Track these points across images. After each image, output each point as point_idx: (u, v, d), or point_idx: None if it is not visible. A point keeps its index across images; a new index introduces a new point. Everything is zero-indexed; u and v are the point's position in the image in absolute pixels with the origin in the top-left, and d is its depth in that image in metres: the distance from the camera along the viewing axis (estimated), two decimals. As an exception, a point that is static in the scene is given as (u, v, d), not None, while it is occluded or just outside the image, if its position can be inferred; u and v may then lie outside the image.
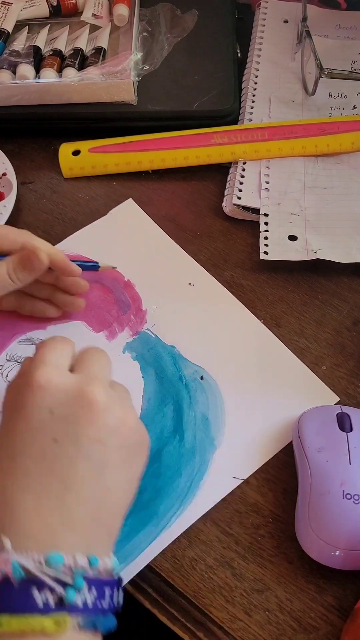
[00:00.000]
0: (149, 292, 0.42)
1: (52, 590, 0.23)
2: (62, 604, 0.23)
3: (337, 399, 0.38)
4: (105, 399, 0.27)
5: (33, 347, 0.40)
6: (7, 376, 0.38)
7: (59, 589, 0.23)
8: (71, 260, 0.38)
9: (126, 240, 0.45)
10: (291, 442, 0.36)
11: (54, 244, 0.45)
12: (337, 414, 0.35)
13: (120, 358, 0.40)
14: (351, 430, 0.34)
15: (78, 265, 0.39)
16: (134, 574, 0.32)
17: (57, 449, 0.26)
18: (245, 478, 0.35)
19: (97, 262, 0.41)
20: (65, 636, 0.23)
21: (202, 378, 0.38)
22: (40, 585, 0.23)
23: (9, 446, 0.27)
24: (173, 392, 0.38)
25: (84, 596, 0.24)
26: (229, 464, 0.36)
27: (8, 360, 0.39)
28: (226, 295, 0.43)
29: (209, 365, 0.39)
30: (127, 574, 0.32)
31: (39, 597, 0.23)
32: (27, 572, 0.23)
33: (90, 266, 0.41)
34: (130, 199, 0.47)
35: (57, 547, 0.24)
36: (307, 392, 0.38)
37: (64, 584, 0.24)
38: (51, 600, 0.23)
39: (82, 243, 0.45)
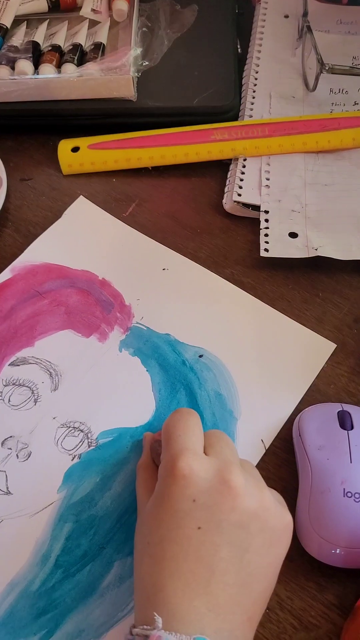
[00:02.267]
0: (127, 286, 0.42)
1: None
2: None
3: (334, 345, 0.40)
4: (243, 484, 0.28)
5: (28, 367, 0.39)
6: (9, 401, 0.38)
7: None
8: None
9: (89, 238, 0.45)
10: (291, 441, 0.36)
11: (53, 241, 0.45)
12: (338, 412, 0.35)
13: (119, 357, 0.39)
14: (352, 428, 0.34)
15: None
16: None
17: (201, 536, 0.27)
18: (272, 441, 0.36)
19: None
20: None
21: (201, 356, 0.39)
22: None
23: (156, 533, 0.28)
24: (180, 377, 0.38)
25: None
26: (254, 432, 0.36)
27: (6, 386, 0.38)
28: (202, 271, 0.43)
29: (208, 344, 0.40)
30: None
31: None
32: None
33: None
34: (81, 196, 0.47)
35: (203, 632, 0.25)
36: (303, 345, 0.40)
37: None
38: None
39: (44, 251, 0.44)
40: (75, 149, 0.48)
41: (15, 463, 0.36)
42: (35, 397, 0.38)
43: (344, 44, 0.55)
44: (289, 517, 0.30)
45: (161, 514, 0.28)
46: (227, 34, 0.53)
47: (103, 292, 0.42)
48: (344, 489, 0.32)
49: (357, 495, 0.31)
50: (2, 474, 0.35)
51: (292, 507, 0.34)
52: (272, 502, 0.29)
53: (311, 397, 0.38)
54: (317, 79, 0.50)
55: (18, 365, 0.39)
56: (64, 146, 0.48)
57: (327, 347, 0.40)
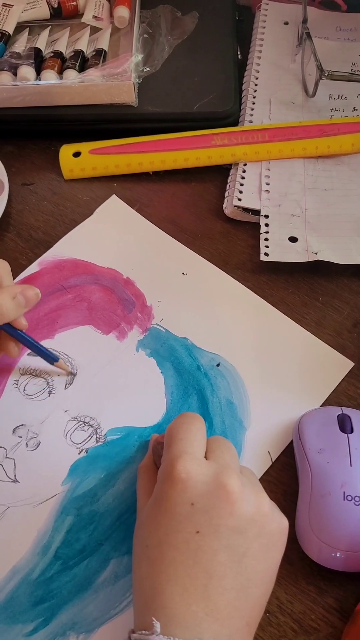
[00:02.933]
0: (150, 287, 0.42)
1: None
2: None
3: (352, 364, 0.39)
4: (241, 489, 0.28)
5: (43, 363, 0.39)
6: (24, 390, 0.38)
7: None
8: (32, 345, 0.37)
9: (117, 237, 0.45)
10: (291, 444, 0.36)
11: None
12: (338, 415, 0.35)
13: (135, 356, 0.40)
14: (352, 431, 0.34)
15: (39, 350, 0.38)
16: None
17: (199, 540, 0.27)
18: (279, 454, 0.36)
19: (57, 357, 0.38)
20: None
21: (218, 365, 0.39)
22: None
23: (155, 536, 0.28)
24: (194, 382, 0.39)
25: None
26: (261, 443, 0.36)
27: (22, 375, 0.39)
28: (225, 277, 0.43)
29: (224, 351, 0.40)
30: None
31: None
32: None
33: (47, 356, 0.38)
34: (114, 195, 0.47)
35: (201, 636, 0.25)
36: (321, 361, 0.39)
37: None
38: None
39: (73, 246, 0.45)
40: (76, 154, 0.49)
41: (24, 452, 0.36)
42: (50, 388, 0.38)
43: (343, 50, 0.55)
44: (285, 522, 0.30)
45: (159, 517, 0.28)
46: (227, 40, 0.54)
47: (126, 291, 0.42)
48: (344, 493, 0.32)
49: (357, 499, 0.31)
50: (11, 462, 0.36)
51: (292, 510, 0.34)
52: (269, 507, 0.29)
53: (311, 401, 0.38)
54: (316, 85, 0.50)
55: (36, 356, 0.39)
56: (66, 151, 0.49)
57: (344, 365, 0.39)
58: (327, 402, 0.38)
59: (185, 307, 0.41)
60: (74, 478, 0.35)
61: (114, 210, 0.47)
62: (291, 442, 0.37)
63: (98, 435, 0.37)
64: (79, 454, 0.36)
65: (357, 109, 0.51)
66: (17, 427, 0.37)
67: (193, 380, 0.39)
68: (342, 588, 0.32)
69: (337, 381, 0.39)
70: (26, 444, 0.36)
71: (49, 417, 0.37)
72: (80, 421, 0.37)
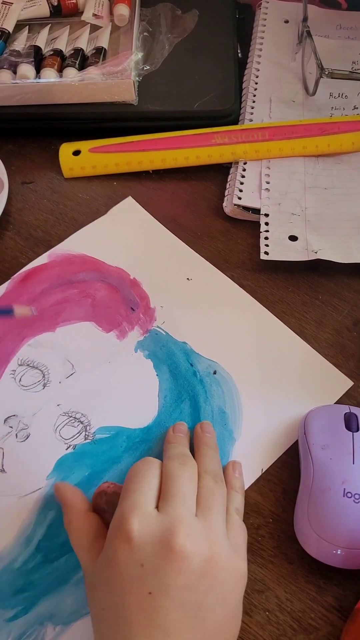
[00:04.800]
0: (155, 289, 0.43)
1: None
2: None
3: (351, 383, 0.39)
4: (189, 546, 0.28)
5: (45, 351, 0.39)
6: (20, 380, 0.38)
7: None
8: None
9: (128, 238, 0.45)
10: (294, 442, 0.36)
11: (54, 244, 0.45)
12: (345, 413, 0.35)
13: (133, 357, 0.40)
14: (357, 430, 0.34)
15: None
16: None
17: (152, 601, 0.27)
18: (266, 468, 0.36)
19: (11, 309, 0.37)
20: None
21: (215, 372, 0.39)
22: None
23: (108, 598, 0.28)
24: (188, 388, 0.38)
25: None
26: (249, 455, 0.36)
27: (20, 365, 0.39)
28: (230, 284, 0.43)
29: (222, 359, 0.39)
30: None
31: None
32: None
33: (3, 312, 0.39)
34: (130, 197, 0.47)
35: None
36: (320, 378, 0.39)
37: None
38: None
39: (84, 242, 0.45)
40: (76, 153, 0.49)
41: (14, 442, 0.36)
42: (45, 381, 0.38)
43: (343, 48, 0.55)
44: (242, 565, 0.30)
45: (111, 578, 0.28)
46: (227, 38, 0.54)
47: (132, 291, 0.42)
48: (345, 489, 0.32)
49: (357, 496, 0.31)
50: (0, 451, 0.36)
51: (292, 509, 0.34)
52: (221, 556, 0.29)
53: (311, 400, 0.38)
54: (316, 83, 0.50)
55: (34, 348, 0.39)
56: (65, 150, 0.49)
57: (343, 383, 0.39)
58: (327, 401, 0.38)
59: (188, 313, 0.41)
60: (58, 473, 0.35)
61: (128, 211, 0.47)
62: (286, 431, 0.37)
63: (87, 433, 0.37)
64: (67, 449, 0.36)
65: (357, 108, 0.51)
66: (8, 417, 0.37)
67: (188, 385, 0.38)
68: (342, 587, 0.33)
69: (334, 399, 0.38)
70: (16, 435, 0.37)
71: (41, 410, 0.37)
72: (71, 417, 0.37)
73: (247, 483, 0.35)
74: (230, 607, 0.29)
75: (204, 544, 0.28)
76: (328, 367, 0.39)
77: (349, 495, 0.32)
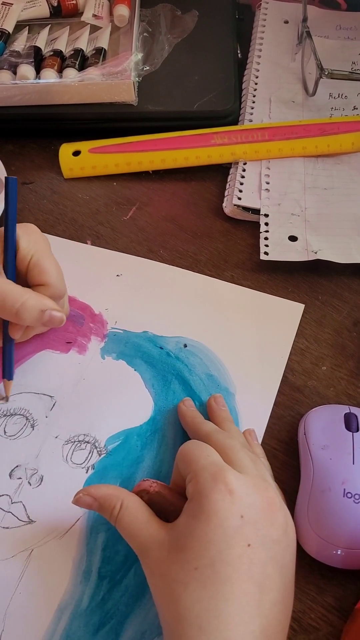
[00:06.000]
0: (92, 297, 0.42)
1: None
2: None
3: (303, 306, 0.42)
4: (278, 501, 0.29)
5: (16, 397, 0.38)
6: (4, 432, 0.37)
7: None
8: (9, 355, 0.37)
9: None
10: (291, 443, 0.36)
11: (55, 244, 0.45)
12: (345, 413, 0.35)
13: (104, 364, 0.39)
14: (357, 430, 0.34)
15: (9, 361, 0.37)
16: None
17: (251, 554, 0.27)
18: (273, 403, 0.38)
19: (11, 377, 0.37)
20: None
21: (185, 346, 0.40)
22: None
23: (206, 556, 0.27)
24: (169, 368, 0.39)
25: None
26: (252, 400, 0.38)
27: None
28: (157, 266, 0.44)
29: (185, 332, 0.41)
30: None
31: None
32: None
33: (7, 372, 0.37)
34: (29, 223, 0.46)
35: None
36: (277, 313, 0.42)
37: None
38: None
39: None
40: (76, 153, 0.49)
41: (30, 491, 0.35)
42: (32, 422, 0.37)
43: (343, 49, 0.55)
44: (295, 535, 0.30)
45: (209, 534, 0.27)
46: (227, 39, 0.54)
47: (70, 307, 0.41)
48: (345, 489, 0.32)
49: (357, 497, 0.31)
50: (19, 505, 0.34)
51: (291, 509, 0.34)
52: (289, 517, 0.29)
53: (311, 400, 0.38)
54: (316, 83, 0.50)
55: (3, 398, 0.38)
56: (65, 150, 0.49)
57: (297, 309, 0.42)
58: (326, 399, 0.38)
59: (133, 304, 0.42)
60: None
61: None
62: (285, 430, 0.37)
63: (98, 449, 0.36)
64: (87, 472, 0.35)
65: (357, 108, 0.51)
66: (12, 470, 0.35)
67: (167, 367, 0.39)
68: (342, 587, 0.32)
69: (296, 325, 0.41)
70: (29, 483, 0.35)
71: (41, 449, 0.36)
72: (74, 441, 0.36)
73: (261, 429, 0.37)
74: (293, 571, 0.29)
75: (282, 502, 0.29)
76: (277, 301, 0.42)
77: (349, 495, 0.32)
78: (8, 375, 0.37)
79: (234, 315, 0.41)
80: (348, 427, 0.34)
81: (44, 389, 0.38)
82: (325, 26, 0.57)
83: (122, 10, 0.53)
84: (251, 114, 0.51)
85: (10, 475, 0.35)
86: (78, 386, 0.38)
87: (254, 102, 0.51)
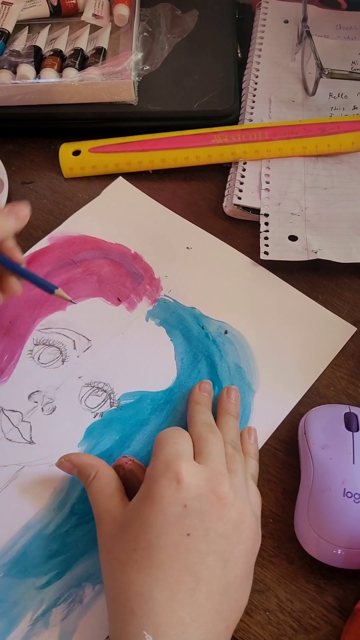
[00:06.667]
0: (158, 261, 0.44)
1: None
2: None
3: (354, 329, 0.41)
4: (232, 496, 0.29)
5: (59, 330, 0.40)
6: (38, 359, 0.39)
7: None
8: (30, 277, 0.37)
9: (124, 215, 0.46)
10: (292, 442, 0.36)
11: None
12: (345, 413, 0.35)
13: (145, 326, 0.41)
14: (357, 430, 0.34)
15: (37, 281, 0.37)
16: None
17: (189, 544, 0.27)
18: (288, 413, 0.38)
19: (55, 287, 0.38)
20: None
21: (226, 332, 0.40)
22: None
23: (143, 539, 0.28)
24: (203, 348, 0.40)
25: None
26: (269, 404, 0.38)
27: (36, 345, 0.40)
28: (229, 250, 0.44)
29: (231, 320, 0.41)
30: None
31: None
32: None
33: (45, 287, 0.38)
34: (121, 177, 0.48)
35: None
36: (323, 327, 0.41)
37: None
38: None
39: (82, 223, 0.46)
40: (76, 153, 0.49)
41: (40, 416, 0.37)
42: (64, 357, 0.40)
43: (343, 48, 0.55)
44: (259, 530, 0.31)
45: (150, 517, 0.28)
46: (227, 38, 0.54)
47: (134, 264, 0.43)
48: (345, 489, 0.32)
49: (357, 496, 0.32)
50: (27, 425, 0.37)
51: (292, 509, 0.34)
52: (247, 515, 0.30)
53: (310, 400, 0.38)
54: (316, 83, 0.50)
55: (49, 327, 0.40)
56: (65, 150, 0.49)
57: (347, 330, 0.41)
58: (326, 398, 0.38)
59: (192, 279, 0.43)
60: (89, 440, 0.37)
61: (121, 190, 0.48)
62: (285, 430, 0.37)
63: (112, 400, 0.38)
64: (94, 417, 0.37)
65: (357, 108, 0.51)
66: (32, 393, 0.38)
67: (202, 346, 0.40)
68: (342, 586, 0.33)
69: (340, 345, 0.40)
70: (42, 409, 0.38)
71: (63, 384, 0.38)
72: (94, 387, 0.38)
73: (271, 430, 0.37)
74: (248, 567, 0.29)
75: (239, 499, 0.30)
76: (329, 316, 0.41)
77: (349, 495, 0.32)
78: (49, 289, 0.38)
79: (283, 317, 0.41)
80: (348, 426, 0.34)
81: (85, 331, 0.41)
82: (325, 26, 0.57)
83: (122, 9, 0.53)
84: (251, 113, 0.51)
85: (29, 397, 0.38)
86: (115, 339, 0.40)
87: (254, 102, 0.51)
